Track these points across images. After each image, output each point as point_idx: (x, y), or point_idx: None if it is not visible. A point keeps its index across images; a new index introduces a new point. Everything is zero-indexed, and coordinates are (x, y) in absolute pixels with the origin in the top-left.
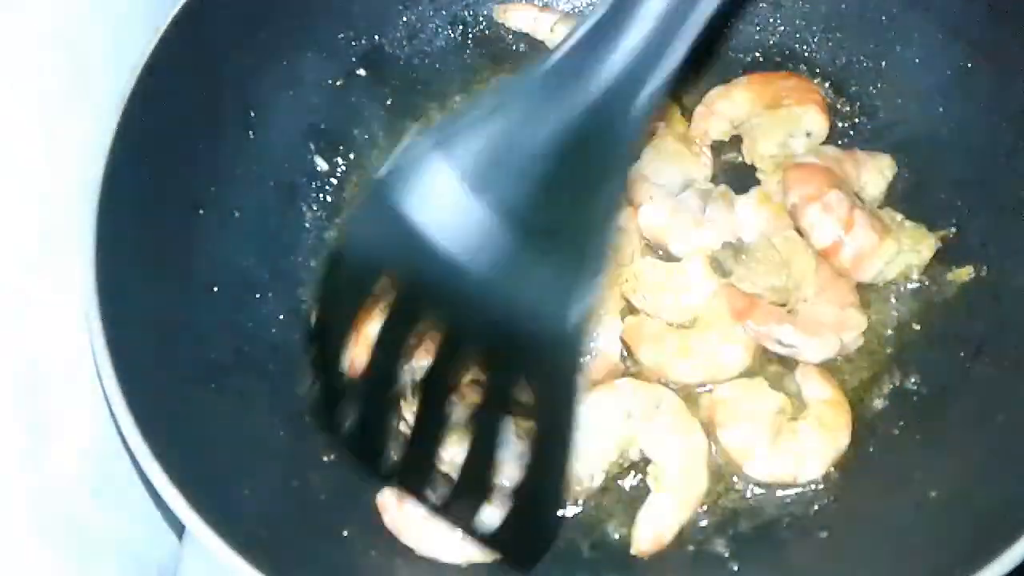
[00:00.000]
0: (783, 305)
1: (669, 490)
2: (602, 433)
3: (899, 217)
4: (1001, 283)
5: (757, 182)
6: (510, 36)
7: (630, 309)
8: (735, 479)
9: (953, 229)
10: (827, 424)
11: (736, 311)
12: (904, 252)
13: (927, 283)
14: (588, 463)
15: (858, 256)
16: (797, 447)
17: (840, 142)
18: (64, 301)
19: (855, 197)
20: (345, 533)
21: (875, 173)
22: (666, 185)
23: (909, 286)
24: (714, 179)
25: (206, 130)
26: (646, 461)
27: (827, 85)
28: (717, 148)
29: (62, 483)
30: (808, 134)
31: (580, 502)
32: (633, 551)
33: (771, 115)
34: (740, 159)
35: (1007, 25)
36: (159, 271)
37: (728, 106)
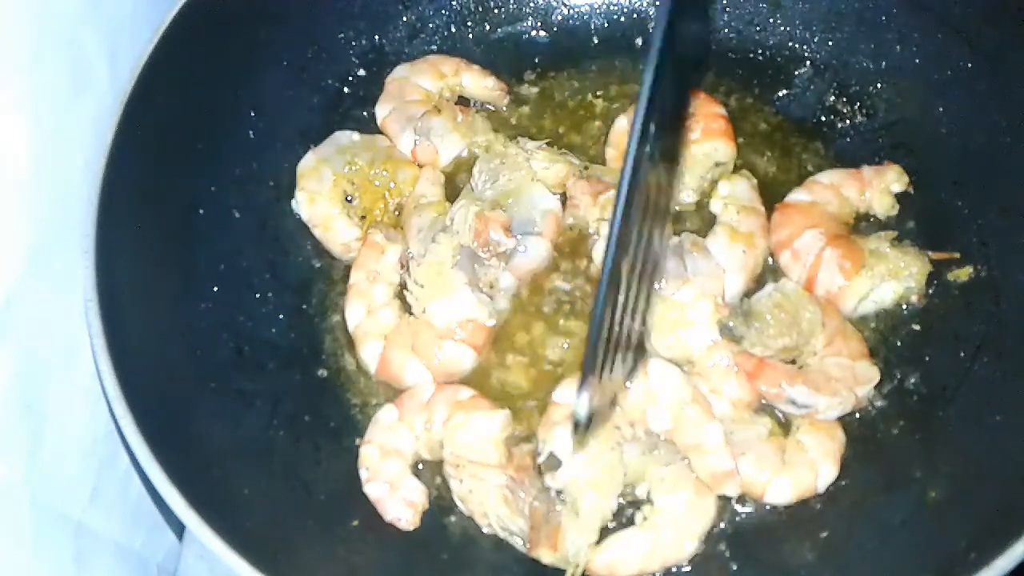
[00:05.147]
0: (792, 362)
1: (652, 536)
2: (618, 456)
3: (886, 247)
4: (1001, 283)
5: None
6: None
7: None
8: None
9: (956, 253)
10: (819, 426)
11: (747, 374)
12: (893, 280)
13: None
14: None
15: (829, 294)
16: (805, 458)
17: (840, 142)
18: (64, 301)
19: (844, 226)
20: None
21: (881, 191)
22: None
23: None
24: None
25: (206, 130)
26: (650, 502)
27: (827, 85)
28: None
29: (62, 483)
30: (717, 164)
31: None
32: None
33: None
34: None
35: (1007, 25)
36: (159, 271)
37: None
